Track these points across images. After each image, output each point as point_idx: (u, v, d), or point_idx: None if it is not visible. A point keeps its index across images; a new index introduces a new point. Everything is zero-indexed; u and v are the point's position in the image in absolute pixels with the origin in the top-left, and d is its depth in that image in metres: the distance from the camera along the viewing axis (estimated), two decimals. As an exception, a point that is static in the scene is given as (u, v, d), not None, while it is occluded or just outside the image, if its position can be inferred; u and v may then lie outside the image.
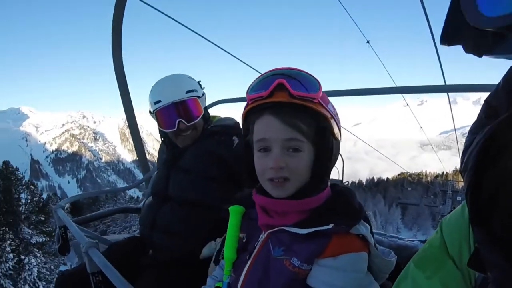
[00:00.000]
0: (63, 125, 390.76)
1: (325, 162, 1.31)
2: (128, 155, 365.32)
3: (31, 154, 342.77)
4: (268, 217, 1.35)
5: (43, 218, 25.46)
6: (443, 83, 4.26)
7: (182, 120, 2.44)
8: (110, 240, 3.05)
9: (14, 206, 24.74)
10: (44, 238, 24.32)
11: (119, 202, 38.30)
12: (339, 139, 1.34)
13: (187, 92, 2.47)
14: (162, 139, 2.73)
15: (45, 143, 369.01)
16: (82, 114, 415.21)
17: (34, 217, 24.20)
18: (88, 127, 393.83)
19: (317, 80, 1.28)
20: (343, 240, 1.21)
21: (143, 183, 4.19)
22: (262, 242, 1.38)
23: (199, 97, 2.54)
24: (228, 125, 2.62)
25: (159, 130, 2.64)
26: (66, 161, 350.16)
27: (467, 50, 0.74)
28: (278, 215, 1.33)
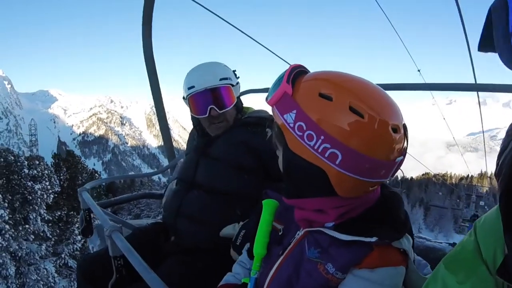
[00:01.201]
0: (90, 108, 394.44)
1: (284, 168, 1.31)
2: (153, 141, 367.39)
3: (58, 136, 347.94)
4: (303, 211, 1.33)
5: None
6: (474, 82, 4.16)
7: (214, 107, 2.44)
8: (134, 224, 3.08)
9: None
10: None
11: (154, 188, 38.42)
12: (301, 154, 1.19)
13: (221, 79, 2.46)
14: (194, 125, 2.72)
15: (72, 125, 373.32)
16: (110, 98, 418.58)
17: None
18: (116, 111, 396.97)
19: (277, 85, 1.25)
20: (383, 253, 1.19)
21: (168, 170, 4.22)
22: (298, 239, 1.36)
23: (232, 85, 2.53)
24: (262, 116, 2.60)
25: (191, 117, 2.65)
26: (92, 144, 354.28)
27: (502, 60, 0.72)
28: (312, 209, 1.30)
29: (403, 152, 1.17)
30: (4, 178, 20.25)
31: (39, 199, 20.27)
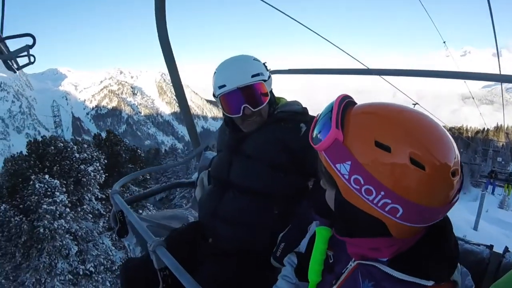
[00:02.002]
0: (101, 82, 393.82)
1: (337, 213, 1.29)
2: (166, 108, 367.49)
3: (72, 112, 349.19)
4: (356, 247, 1.29)
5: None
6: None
7: (248, 106, 2.36)
8: (169, 224, 3.07)
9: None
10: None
11: (180, 157, 38.56)
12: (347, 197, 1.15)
13: (253, 76, 2.37)
14: (226, 122, 2.65)
15: (84, 100, 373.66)
16: (119, 70, 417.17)
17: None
18: (126, 82, 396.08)
19: (325, 126, 1.17)
20: None
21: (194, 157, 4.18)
22: (350, 270, 1.31)
23: (265, 80, 2.43)
24: (295, 111, 2.53)
25: (223, 114, 2.58)
26: (106, 117, 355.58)
27: None
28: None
29: (460, 190, 1.12)
30: (57, 165, 21.63)
31: (92, 180, 21.80)
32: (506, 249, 2.20)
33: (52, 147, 22.13)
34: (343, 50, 4.61)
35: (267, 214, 2.35)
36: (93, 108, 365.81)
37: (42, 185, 19.08)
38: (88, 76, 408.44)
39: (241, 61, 2.49)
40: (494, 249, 2.22)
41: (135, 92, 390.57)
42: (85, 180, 21.33)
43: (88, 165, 22.23)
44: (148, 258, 2.10)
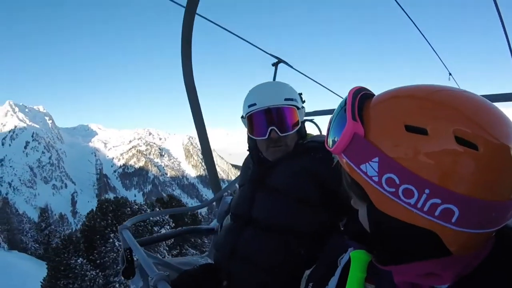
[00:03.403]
0: (130, 141, 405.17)
1: (373, 232, 0.99)
2: (192, 171, 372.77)
3: (100, 169, 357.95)
4: (406, 274, 0.94)
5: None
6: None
7: (275, 129, 2.14)
8: (180, 266, 2.80)
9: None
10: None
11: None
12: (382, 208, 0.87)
13: (286, 99, 2.17)
14: (250, 149, 2.42)
15: (113, 158, 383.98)
16: (148, 131, 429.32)
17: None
18: (154, 143, 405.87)
19: (339, 123, 0.94)
20: None
21: (214, 203, 3.95)
22: None
23: (298, 108, 2.22)
24: None
25: (248, 139, 2.36)
26: (133, 176, 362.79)
27: None
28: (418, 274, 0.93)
29: None
30: (133, 226, 22.46)
31: (164, 243, 23.37)
32: None
33: (128, 208, 24.49)
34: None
35: (292, 254, 2.05)
36: (120, 166, 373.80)
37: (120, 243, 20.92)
38: (118, 135, 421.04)
39: (276, 84, 2.36)
40: None
41: (163, 153, 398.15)
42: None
43: (160, 227, 24.22)
44: None
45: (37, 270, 27.71)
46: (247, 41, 4.07)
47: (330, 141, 0.98)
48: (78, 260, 20.97)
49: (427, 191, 0.77)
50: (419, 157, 0.78)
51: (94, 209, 26.39)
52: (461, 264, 0.86)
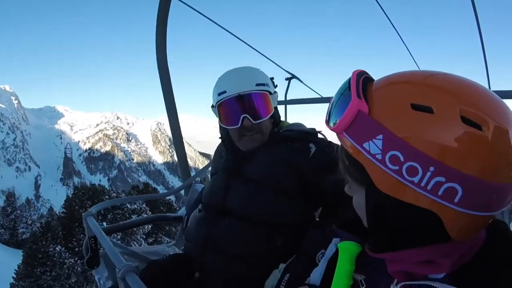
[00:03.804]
0: (97, 125, 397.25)
1: (372, 216, 0.95)
2: (159, 157, 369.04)
3: (65, 152, 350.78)
4: (401, 263, 0.94)
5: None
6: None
7: (248, 116, 2.07)
8: (147, 256, 2.71)
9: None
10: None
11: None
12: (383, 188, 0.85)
13: (257, 84, 2.10)
14: (222, 138, 2.34)
15: (79, 141, 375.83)
16: (116, 115, 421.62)
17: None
18: (122, 128, 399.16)
19: (342, 102, 0.91)
20: None
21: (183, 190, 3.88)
22: None
23: (270, 93, 2.15)
24: (304, 130, 2.22)
25: (220, 128, 2.27)
26: (98, 160, 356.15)
27: None
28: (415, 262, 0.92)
29: None
30: (110, 213, 23.62)
31: (141, 230, 24.08)
32: None
33: (107, 196, 24.46)
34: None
35: (268, 245, 2.02)
36: (86, 150, 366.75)
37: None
38: (85, 118, 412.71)
39: (246, 70, 2.25)
40: None
41: (130, 138, 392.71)
42: (135, 229, 22.90)
43: (138, 215, 23.95)
44: None
45: (7, 256, 27.12)
46: (264, 55, 4.07)
47: (331, 121, 0.94)
48: (57, 248, 20.91)
49: (431, 168, 0.76)
50: (424, 135, 0.78)
51: (70, 196, 26.34)
52: (458, 253, 0.87)
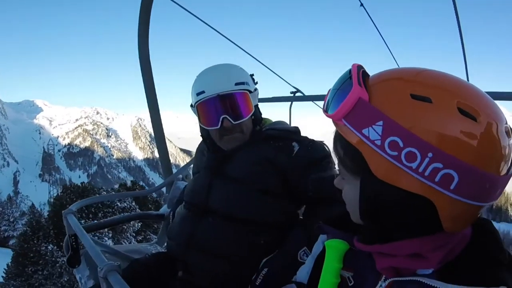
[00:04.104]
0: (76, 120, 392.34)
1: (366, 205, 0.95)
2: (139, 153, 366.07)
3: (43, 147, 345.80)
4: (390, 257, 0.95)
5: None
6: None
7: (228, 117, 2.05)
8: (129, 254, 2.68)
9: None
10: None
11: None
12: (388, 180, 0.85)
13: (236, 84, 2.08)
14: (203, 138, 2.32)
15: (58, 137, 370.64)
16: (96, 110, 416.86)
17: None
18: (102, 123, 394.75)
19: (342, 91, 0.93)
20: None
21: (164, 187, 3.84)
22: None
23: (250, 91, 2.13)
24: (286, 129, 2.22)
25: (200, 128, 2.24)
26: (78, 156, 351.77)
27: None
28: (404, 255, 0.94)
29: None
30: (101, 212, 23.19)
31: (131, 228, 24.04)
32: None
33: (97, 194, 23.67)
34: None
35: (252, 244, 2.01)
36: (65, 146, 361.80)
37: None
38: (64, 112, 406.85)
39: (225, 68, 2.22)
40: None
41: (110, 134, 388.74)
42: (125, 227, 22.97)
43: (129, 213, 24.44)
44: None
45: None
46: (270, 69, 4.06)
47: (330, 109, 0.95)
48: (49, 247, 20.75)
49: (430, 154, 0.79)
50: (423, 122, 0.81)
51: (58, 194, 25.69)
52: (446, 247, 0.89)
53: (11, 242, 31.77)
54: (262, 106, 2.35)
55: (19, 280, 20.77)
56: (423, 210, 0.85)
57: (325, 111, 0.98)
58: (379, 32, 4.20)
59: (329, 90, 1.00)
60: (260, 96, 2.30)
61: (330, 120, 0.95)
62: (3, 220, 34.65)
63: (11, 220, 34.67)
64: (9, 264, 21.63)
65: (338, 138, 0.98)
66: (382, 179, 0.85)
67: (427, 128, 0.80)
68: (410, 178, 0.81)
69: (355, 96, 0.87)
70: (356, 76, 0.90)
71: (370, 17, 4.13)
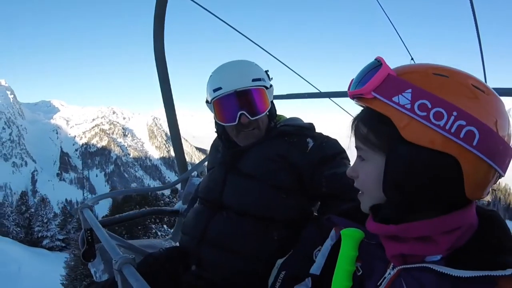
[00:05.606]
0: (93, 119, 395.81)
1: (394, 176, 0.98)
2: (155, 152, 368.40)
3: (61, 147, 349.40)
4: (401, 242, 1.00)
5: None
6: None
7: (245, 113, 2.04)
8: (144, 249, 2.69)
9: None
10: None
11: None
12: (423, 143, 0.92)
13: (253, 80, 2.06)
14: (218, 134, 2.32)
15: (75, 136, 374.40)
16: (112, 109, 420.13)
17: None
18: (118, 122, 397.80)
19: (372, 71, 1.01)
20: (509, 285, 0.86)
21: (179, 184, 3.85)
22: (389, 280, 1.01)
23: (266, 88, 2.12)
24: (301, 125, 2.21)
25: (215, 124, 2.24)
26: (95, 155, 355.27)
27: None
28: (415, 239, 0.99)
29: None
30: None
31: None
32: None
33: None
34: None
35: (265, 240, 2.01)
36: (82, 145, 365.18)
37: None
38: (81, 112, 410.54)
39: (241, 64, 2.21)
40: None
41: (126, 133, 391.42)
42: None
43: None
44: (113, 283, 1.76)
45: (29, 256, 26.94)
46: (292, 70, 4.04)
47: (358, 85, 1.03)
48: None
49: (455, 113, 0.89)
50: (445, 89, 0.93)
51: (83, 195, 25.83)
52: (456, 233, 0.96)
53: (44, 242, 32.35)
54: (276, 103, 2.34)
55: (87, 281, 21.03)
56: (450, 172, 0.91)
57: (351, 89, 1.05)
58: (398, 33, 4.14)
59: (352, 80, 1.07)
60: (274, 93, 2.29)
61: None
62: (36, 221, 35.03)
63: (45, 221, 34.97)
64: (65, 268, 21.46)
65: (360, 118, 1.07)
66: (411, 141, 0.92)
67: (450, 92, 0.92)
68: (438, 136, 0.90)
69: (385, 72, 0.97)
70: (384, 61, 0.99)
71: (392, 24, 4.08)
